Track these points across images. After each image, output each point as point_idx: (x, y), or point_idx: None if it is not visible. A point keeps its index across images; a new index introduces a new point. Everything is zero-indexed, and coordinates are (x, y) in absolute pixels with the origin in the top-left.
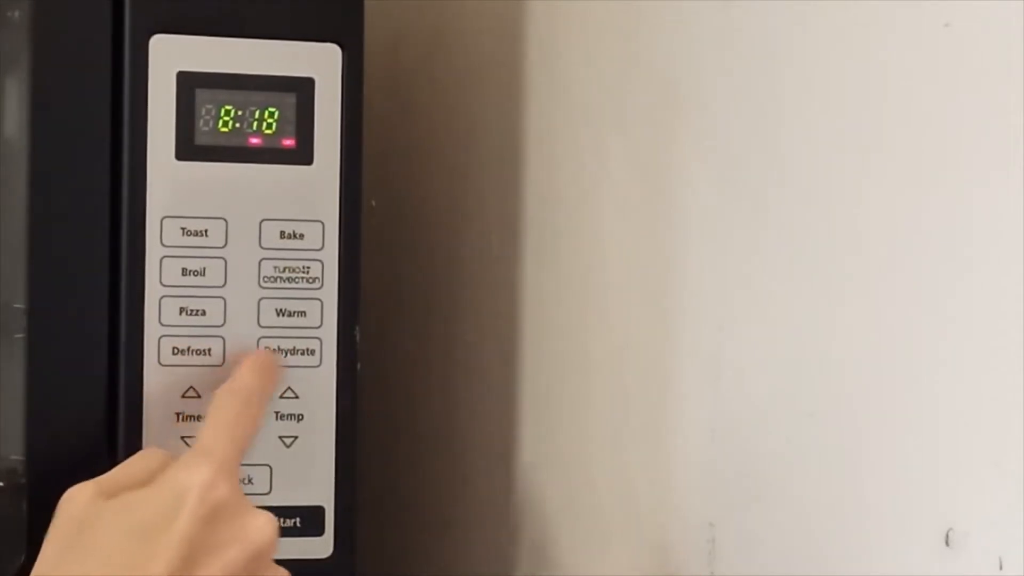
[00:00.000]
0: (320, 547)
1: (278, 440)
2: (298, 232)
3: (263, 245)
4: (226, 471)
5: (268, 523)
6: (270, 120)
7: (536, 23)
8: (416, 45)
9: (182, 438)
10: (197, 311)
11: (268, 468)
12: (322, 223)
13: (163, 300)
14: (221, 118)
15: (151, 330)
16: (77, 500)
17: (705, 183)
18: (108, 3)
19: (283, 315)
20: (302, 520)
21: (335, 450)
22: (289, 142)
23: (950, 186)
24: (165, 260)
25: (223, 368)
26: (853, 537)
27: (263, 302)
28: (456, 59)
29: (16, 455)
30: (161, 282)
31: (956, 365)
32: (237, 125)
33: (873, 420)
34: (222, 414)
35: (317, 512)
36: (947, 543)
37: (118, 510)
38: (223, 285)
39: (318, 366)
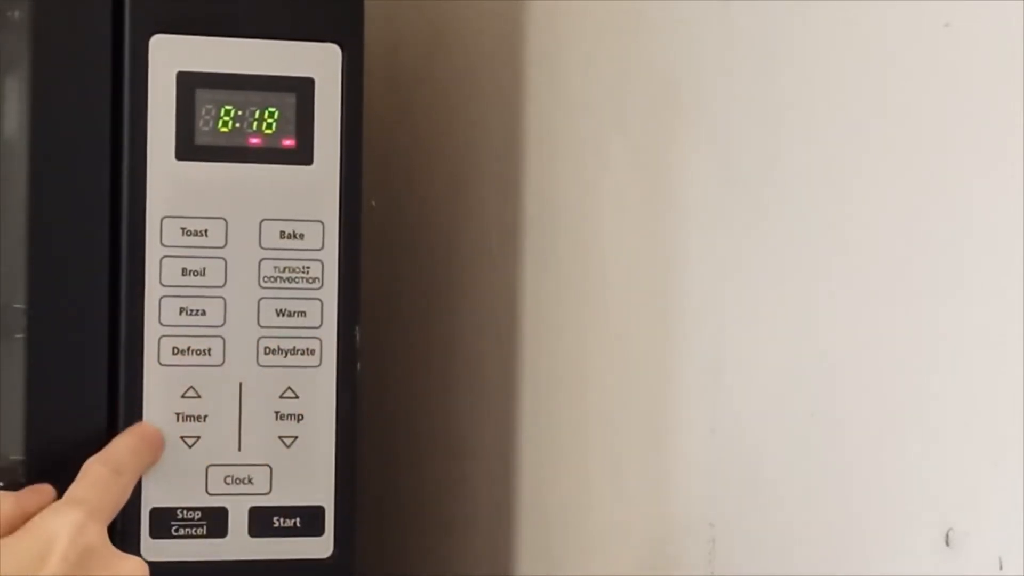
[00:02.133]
0: (320, 547)
1: (278, 440)
2: (298, 232)
3: (263, 245)
4: (96, 518)
5: (139, 568)
6: (270, 120)
7: (536, 23)
8: (416, 45)
9: (182, 438)
10: (197, 311)
11: (268, 468)
12: (322, 223)
13: (163, 300)
14: (221, 118)
15: (151, 330)
16: None
17: (705, 183)
18: (108, 3)
19: (283, 315)
20: (302, 520)
21: (335, 450)
22: (289, 142)
23: (950, 186)
24: (165, 260)
25: (223, 368)
26: (853, 537)
27: (263, 302)
28: (456, 59)
29: (16, 455)
30: (161, 282)
31: (956, 365)
32: (237, 125)
33: (873, 420)
34: (91, 476)
35: (317, 512)
36: (947, 543)
37: None
38: (223, 285)
39: (318, 366)
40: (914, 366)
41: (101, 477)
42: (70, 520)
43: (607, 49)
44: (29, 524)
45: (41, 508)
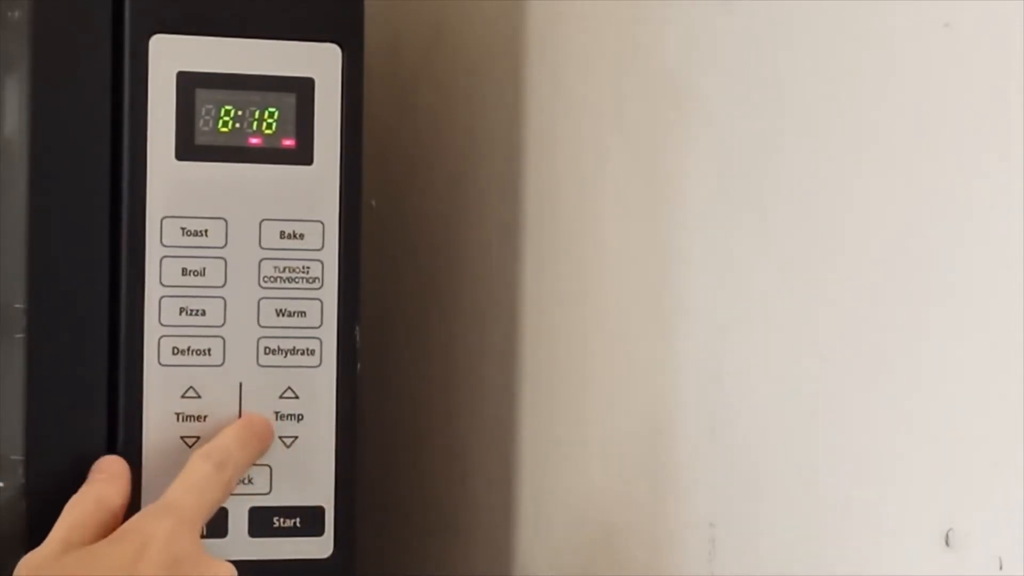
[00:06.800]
0: (320, 547)
1: (278, 440)
2: (298, 232)
3: (263, 245)
4: (189, 523)
5: (228, 572)
6: (270, 120)
7: (536, 23)
8: (416, 45)
9: (182, 438)
10: (197, 311)
11: (268, 468)
12: (322, 223)
13: (163, 300)
14: (221, 118)
15: (151, 330)
16: (31, 563)
17: (705, 182)
18: (108, 3)
19: (283, 315)
20: (302, 520)
21: (335, 450)
22: (289, 142)
23: (950, 186)
24: (165, 260)
25: (223, 368)
26: (853, 537)
27: (263, 302)
28: (456, 59)
29: (16, 455)
30: (161, 282)
31: (956, 365)
32: (237, 125)
33: (873, 420)
34: (192, 474)
35: (317, 512)
36: (947, 543)
37: (80, 563)
38: (223, 285)
39: (318, 366)
40: (914, 366)
41: (202, 475)
42: (163, 527)
43: (607, 49)
44: (124, 527)
45: (123, 496)
